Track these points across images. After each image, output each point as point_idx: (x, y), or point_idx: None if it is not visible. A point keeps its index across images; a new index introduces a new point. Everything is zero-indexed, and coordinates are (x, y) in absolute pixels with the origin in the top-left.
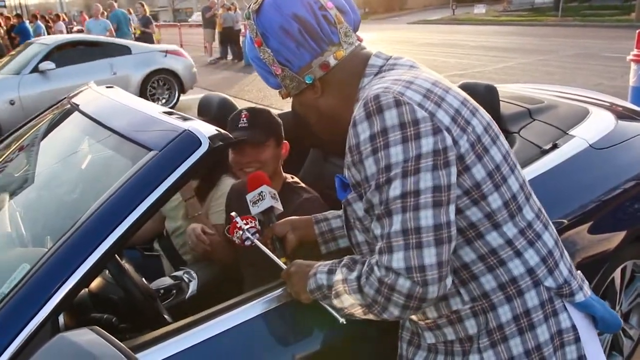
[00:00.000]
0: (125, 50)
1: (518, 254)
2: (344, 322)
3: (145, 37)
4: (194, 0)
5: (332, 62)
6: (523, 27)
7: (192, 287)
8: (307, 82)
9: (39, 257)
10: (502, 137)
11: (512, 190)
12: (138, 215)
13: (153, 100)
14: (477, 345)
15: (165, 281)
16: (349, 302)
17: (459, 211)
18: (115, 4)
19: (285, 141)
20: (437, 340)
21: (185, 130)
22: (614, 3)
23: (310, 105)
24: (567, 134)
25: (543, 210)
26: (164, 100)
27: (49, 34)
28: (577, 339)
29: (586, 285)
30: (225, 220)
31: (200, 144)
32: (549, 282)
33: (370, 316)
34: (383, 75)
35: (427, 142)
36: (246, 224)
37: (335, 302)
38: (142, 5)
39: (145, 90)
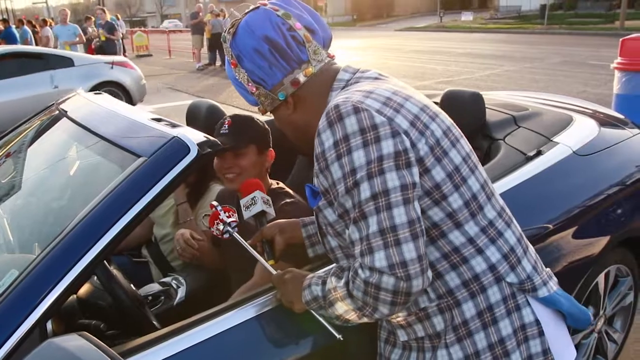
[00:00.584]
0: (67, 62)
1: (480, 251)
2: (342, 339)
3: (109, 45)
4: (182, 6)
5: (302, 79)
6: (510, 34)
7: (181, 293)
8: (280, 98)
9: (27, 264)
10: (463, 141)
11: (473, 190)
12: (127, 221)
13: None
14: (445, 340)
15: (154, 287)
16: (342, 309)
17: (421, 212)
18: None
19: (271, 149)
20: (410, 337)
21: (174, 137)
22: (598, 11)
23: (285, 120)
24: (552, 140)
25: (506, 209)
26: None
27: (35, 39)
28: (541, 333)
29: (553, 282)
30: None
31: (188, 150)
32: (511, 278)
33: (365, 319)
34: (348, 88)
35: (387, 144)
36: (228, 216)
37: (330, 310)
38: (103, 11)
39: None
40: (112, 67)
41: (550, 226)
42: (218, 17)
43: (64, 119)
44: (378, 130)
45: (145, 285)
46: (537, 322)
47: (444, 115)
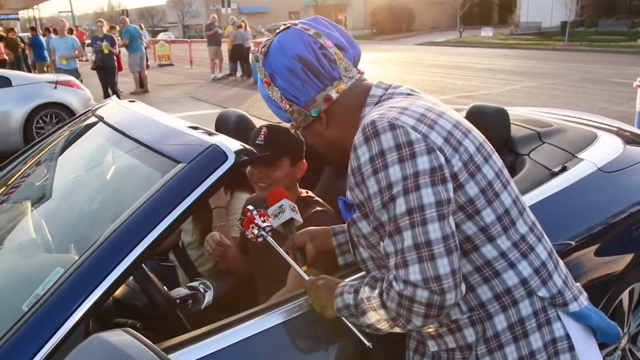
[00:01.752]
0: (3, 82)
1: (512, 265)
2: (371, 347)
3: (111, 59)
4: (203, 17)
5: (334, 95)
6: (530, 50)
7: (208, 297)
8: (313, 115)
9: (69, 263)
10: (495, 156)
11: (505, 205)
12: (167, 225)
13: None
14: (475, 352)
15: (182, 291)
16: (375, 319)
17: (455, 226)
18: (127, 20)
19: (304, 160)
20: (440, 348)
21: (213, 144)
22: (620, 29)
23: (318, 135)
24: (576, 157)
25: (537, 224)
26: None
27: None
28: (571, 348)
29: (583, 297)
30: (241, 230)
31: (226, 158)
32: (542, 292)
33: (397, 329)
34: (382, 104)
35: (422, 160)
36: (263, 221)
37: (362, 319)
38: (103, 24)
39: (31, 127)
40: (55, 87)
41: (573, 242)
42: (239, 28)
43: (101, 124)
44: (413, 146)
45: (172, 289)
46: (568, 336)
47: (476, 131)
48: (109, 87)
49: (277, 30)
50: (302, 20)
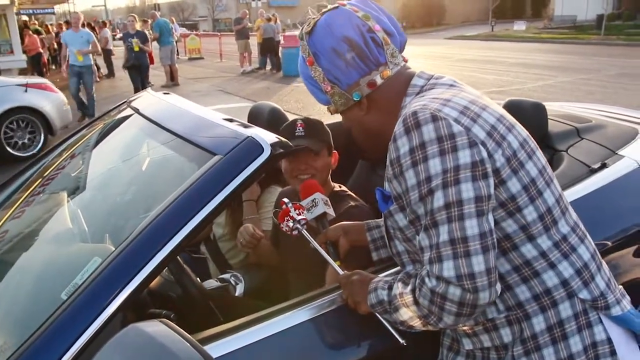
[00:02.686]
0: None
1: (552, 265)
2: (405, 344)
3: (143, 57)
4: (233, 11)
5: (379, 80)
6: (564, 45)
7: (239, 289)
8: (354, 99)
9: (106, 253)
10: (539, 153)
11: (548, 203)
12: (203, 216)
13: (10, 146)
14: (512, 353)
15: (213, 283)
16: (407, 315)
17: (495, 223)
18: (158, 14)
19: (335, 151)
20: (475, 346)
21: (249, 136)
22: None
23: (356, 121)
24: (616, 153)
25: (580, 224)
26: (23, 144)
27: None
28: (613, 352)
29: (626, 300)
30: (273, 223)
31: (262, 150)
32: (584, 294)
33: (429, 327)
34: (423, 94)
35: (464, 154)
36: (298, 214)
37: (395, 316)
38: (135, 19)
39: None
40: (26, 90)
41: (609, 243)
42: (270, 22)
43: (136, 115)
44: (455, 139)
45: (204, 281)
46: (609, 340)
47: (520, 126)
48: (140, 85)
49: (324, 10)
50: (351, 1)
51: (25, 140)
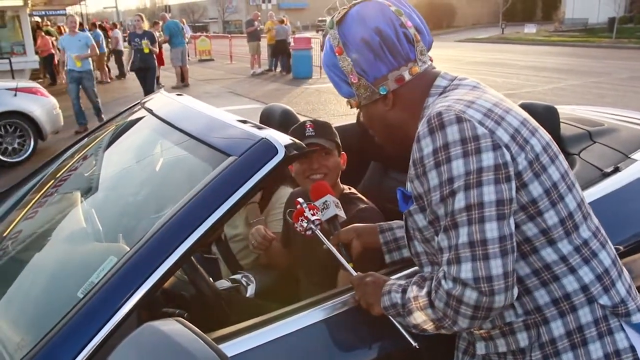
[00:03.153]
0: None
1: (572, 270)
2: (417, 347)
3: (151, 59)
4: (243, 13)
5: (407, 77)
6: (575, 47)
7: (250, 290)
8: (381, 93)
9: (121, 252)
10: (561, 157)
11: (569, 208)
12: (218, 217)
13: None
14: (530, 357)
15: (224, 283)
16: (421, 319)
17: (515, 226)
18: (168, 15)
19: (343, 152)
20: (489, 351)
21: (263, 138)
22: None
23: (378, 117)
24: (629, 157)
25: (601, 230)
26: (14, 150)
27: (106, 41)
28: None
29: None
30: (284, 224)
31: (276, 151)
32: (604, 300)
33: (443, 331)
34: (446, 95)
35: (487, 156)
36: (313, 214)
37: (408, 319)
38: (141, 19)
39: None
40: (15, 95)
41: (621, 247)
42: (282, 24)
43: (149, 116)
44: (479, 141)
45: (215, 281)
46: (633, 348)
47: (542, 130)
48: (150, 88)
49: (355, 2)
50: None
51: (15, 146)
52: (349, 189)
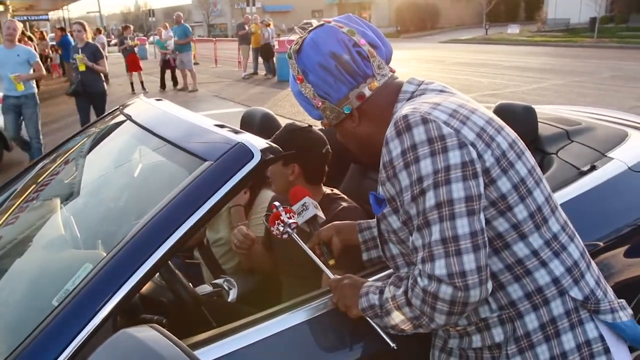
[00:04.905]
0: None
1: (543, 264)
2: (395, 348)
3: (91, 78)
4: (228, 16)
5: (367, 92)
6: (557, 47)
7: (232, 295)
8: (345, 112)
9: (98, 259)
10: (527, 153)
11: (538, 202)
12: (194, 222)
13: None
14: (506, 352)
15: (206, 288)
16: (399, 319)
17: (486, 222)
18: (182, 16)
19: (296, 164)
20: (466, 347)
21: (239, 142)
22: None
23: (349, 133)
24: (606, 156)
25: (569, 223)
26: None
27: None
28: (607, 350)
29: (624, 313)
30: (265, 228)
31: (252, 156)
32: (575, 292)
33: (420, 330)
34: (414, 100)
35: (454, 155)
36: (289, 217)
37: (386, 319)
38: (83, 28)
39: None
40: None
41: (601, 243)
42: (268, 27)
43: (128, 122)
44: (445, 140)
45: (197, 286)
46: (602, 337)
47: (508, 128)
48: (88, 118)
49: (310, 28)
50: (335, 18)
51: None
52: (332, 190)
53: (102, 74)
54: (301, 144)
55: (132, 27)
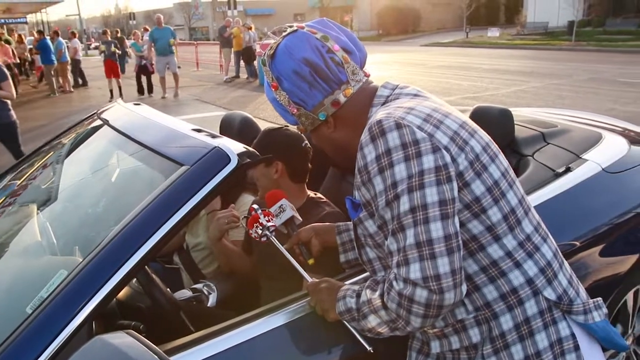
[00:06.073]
0: None
1: (517, 265)
2: (372, 351)
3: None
4: (209, 20)
5: (342, 99)
6: (536, 50)
7: (212, 299)
8: (320, 119)
9: (73, 265)
10: (501, 156)
11: (511, 204)
12: (170, 226)
13: None
14: (482, 352)
15: (186, 293)
16: (376, 322)
17: (461, 224)
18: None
19: (279, 162)
20: (444, 348)
21: (216, 147)
22: (628, 28)
23: (325, 139)
24: (581, 157)
25: (542, 224)
26: None
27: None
28: (577, 347)
29: (598, 313)
30: (245, 229)
31: (229, 160)
32: (548, 292)
33: (397, 332)
34: (389, 104)
35: (427, 159)
36: (268, 220)
37: (363, 323)
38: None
39: None
40: None
41: (578, 243)
42: (250, 30)
43: (106, 127)
44: (419, 145)
45: (176, 291)
46: (573, 335)
47: (482, 132)
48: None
49: (284, 33)
50: (309, 23)
51: None
52: (315, 194)
53: (7, 101)
54: (280, 142)
55: (109, 32)
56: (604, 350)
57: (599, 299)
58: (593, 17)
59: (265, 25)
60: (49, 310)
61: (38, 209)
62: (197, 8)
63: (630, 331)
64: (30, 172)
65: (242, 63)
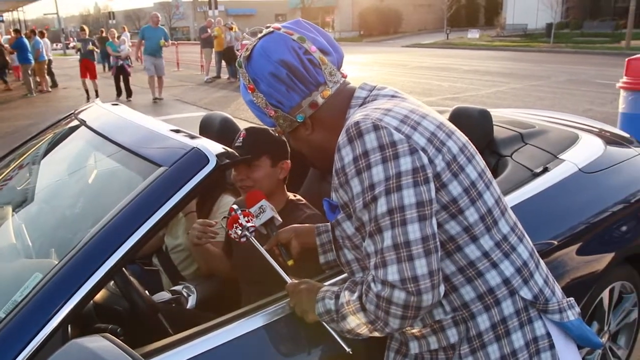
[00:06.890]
0: None
1: (494, 265)
2: (351, 352)
3: None
4: (190, 19)
5: (320, 100)
6: (516, 52)
7: (191, 301)
8: (298, 120)
9: (49, 268)
10: (478, 157)
11: (488, 204)
12: (148, 228)
13: None
14: (459, 352)
15: (165, 295)
16: (355, 323)
17: (438, 225)
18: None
19: (286, 160)
20: (422, 349)
21: (194, 147)
22: (604, 31)
23: (303, 141)
24: (558, 158)
25: (518, 224)
26: None
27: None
28: (552, 346)
29: (572, 312)
30: (225, 230)
31: (208, 161)
32: (524, 292)
33: (376, 333)
34: (366, 105)
35: (405, 161)
36: (247, 221)
37: (342, 324)
38: None
39: None
40: None
41: (555, 242)
42: (231, 30)
43: (83, 127)
44: (397, 147)
45: (156, 293)
46: (548, 334)
47: (459, 132)
48: None
49: (260, 35)
50: (285, 24)
51: None
52: (295, 196)
53: None
54: (274, 140)
55: (87, 29)
56: (580, 348)
57: (572, 298)
58: (571, 19)
59: (246, 26)
60: (23, 314)
61: (13, 211)
62: (177, 8)
63: (606, 328)
64: (6, 172)
65: (223, 63)
